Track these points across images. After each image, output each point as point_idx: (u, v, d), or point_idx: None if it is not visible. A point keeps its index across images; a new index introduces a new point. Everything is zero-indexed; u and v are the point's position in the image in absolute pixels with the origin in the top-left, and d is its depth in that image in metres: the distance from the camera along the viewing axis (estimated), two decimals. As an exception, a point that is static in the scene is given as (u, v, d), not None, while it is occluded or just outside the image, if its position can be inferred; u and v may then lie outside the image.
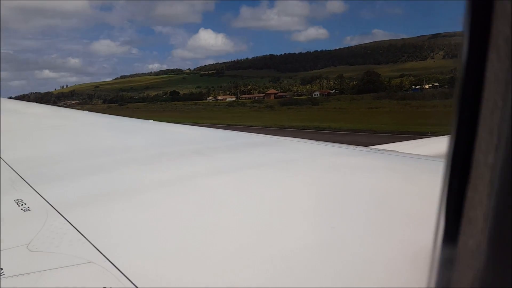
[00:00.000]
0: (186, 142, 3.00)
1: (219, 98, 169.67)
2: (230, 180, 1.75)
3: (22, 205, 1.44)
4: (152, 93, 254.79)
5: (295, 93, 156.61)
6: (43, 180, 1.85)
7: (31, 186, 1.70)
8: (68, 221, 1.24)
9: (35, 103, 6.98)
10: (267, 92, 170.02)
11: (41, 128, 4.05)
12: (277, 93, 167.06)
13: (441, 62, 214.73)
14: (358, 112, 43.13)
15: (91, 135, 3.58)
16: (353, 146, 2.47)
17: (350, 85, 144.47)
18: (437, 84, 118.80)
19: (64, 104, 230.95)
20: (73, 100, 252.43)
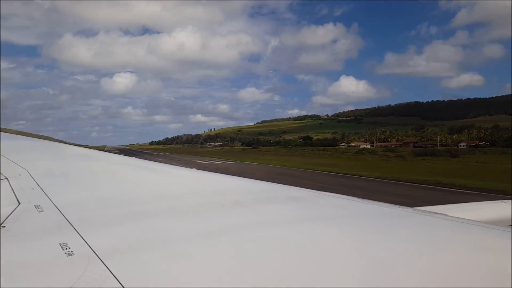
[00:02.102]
0: (227, 192, 3.05)
1: (353, 144, 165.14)
2: (270, 234, 1.73)
3: (66, 249, 1.48)
4: (288, 137, 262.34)
5: (438, 143, 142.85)
6: (88, 225, 1.91)
7: (76, 230, 1.75)
8: (108, 268, 1.27)
9: (95, 150, 7.06)
10: (405, 141, 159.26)
11: (94, 172, 4.24)
12: (416, 142, 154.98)
13: None
14: (504, 168, 35.63)
15: (138, 181, 3.69)
16: (398, 206, 2.34)
17: (504, 136, 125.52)
18: None
19: (209, 145, 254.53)
20: (217, 142, 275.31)
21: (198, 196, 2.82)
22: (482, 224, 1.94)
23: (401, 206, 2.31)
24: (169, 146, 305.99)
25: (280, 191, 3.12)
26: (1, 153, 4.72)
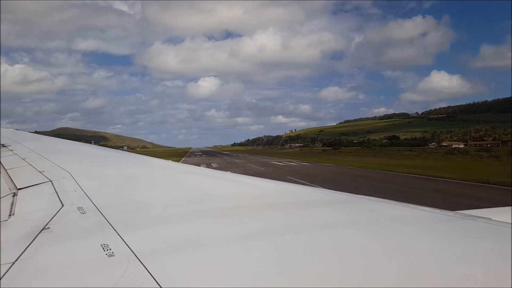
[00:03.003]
0: (263, 195, 3.06)
1: (444, 144, 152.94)
2: (303, 238, 1.74)
3: (107, 250, 1.53)
4: (373, 137, 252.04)
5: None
6: (128, 226, 1.96)
7: (116, 232, 1.79)
8: (147, 269, 1.30)
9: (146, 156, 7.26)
10: (502, 140, 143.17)
11: (134, 175, 4.32)
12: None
13: None
14: None
15: (176, 184, 3.73)
16: (439, 210, 2.29)
17: None
18: None
19: (289, 146, 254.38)
20: (297, 143, 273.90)
21: (234, 199, 2.84)
22: None
23: (443, 210, 2.24)
24: (250, 147, 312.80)
25: (316, 194, 3.09)
26: (46, 157, 4.89)
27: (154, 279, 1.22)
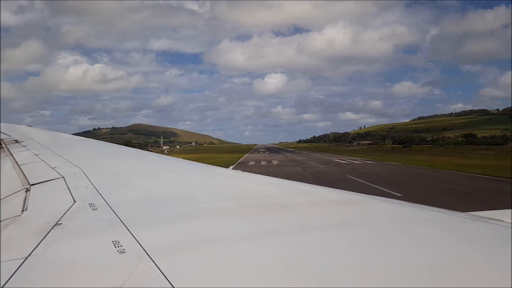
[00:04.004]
0: (273, 195, 3.03)
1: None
2: (313, 237, 1.73)
3: (118, 247, 1.54)
4: (447, 135, 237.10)
5: None
6: (139, 223, 1.97)
7: (127, 229, 1.80)
8: (157, 266, 1.31)
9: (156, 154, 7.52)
10: None
11: (146, 172, 4.42)
12: None
13: None
14: None
15: (187, 182, 3.75)
16: (451, 211, 2.24)
17: None
18: None
19: (357, 144, 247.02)
20: (365, 140, 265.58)
21: (245, 198, 2.83)
22: None
23: (454, 211, 2.21)
24: (315, 144, 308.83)
25: (327, 194, 3.07)
26: (58, 153, 5.01)
27: (165, 276, 1.23)
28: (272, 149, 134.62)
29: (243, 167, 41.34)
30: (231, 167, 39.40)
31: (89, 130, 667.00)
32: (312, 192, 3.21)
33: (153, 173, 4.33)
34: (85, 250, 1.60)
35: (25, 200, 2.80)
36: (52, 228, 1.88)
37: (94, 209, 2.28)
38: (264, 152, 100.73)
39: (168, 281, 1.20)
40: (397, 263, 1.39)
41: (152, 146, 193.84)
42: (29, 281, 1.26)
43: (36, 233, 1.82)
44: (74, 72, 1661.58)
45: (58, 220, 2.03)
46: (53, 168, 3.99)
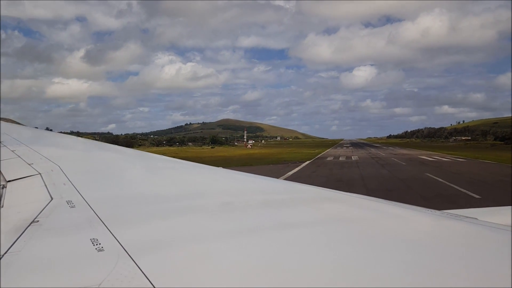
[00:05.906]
0: (254, 192, 3.08)
1: None
2: (292, 234, 1.74)
3: (97, 245, 1.52)
4: None
5: None
6: (118, 221, 1.96)
7: (106, 227, 1.78)
8: (137, 264, 1.29)
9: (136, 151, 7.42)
10: None
11: (125, 169, 4.47)
12: None
13: None
14: None
15: (169, 179, 3.77)
16: (426, 209, 2.26)
17: None
18: None
19: (454, 139, 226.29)
20: (463, 136, 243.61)
21: (226, 195, 2.85)
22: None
23: (430, 209, 2.23)
24: (406, 140, 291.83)
25: (308, 192, 3.08)
26: (35, 149, 4.94)
27: (145, 274, 1.21)
28: (357, 144, 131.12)
29: (320, 161, 41.12)
30: (307, 162, 39.35)
31: (182, 126, 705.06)
32: (292, 189, 3.23)
33: (133, 171, 4.33)
34: (62, 248, 1.57)
35: (0, 197, 2.77)
36: (28, 226, 1.85)
37: (72, 207, 2.26)
38: (348, 147, 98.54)
39: (148, 279, 1.18)
40: (376, 260, 1.38)
41: (238, 140, 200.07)
42: (5, 280, 1.22)
43: (12, 230, 1.78)
44: (169, 71, 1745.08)
45: (35, 218, 2.00)
46: (29, 164, 3.91)
